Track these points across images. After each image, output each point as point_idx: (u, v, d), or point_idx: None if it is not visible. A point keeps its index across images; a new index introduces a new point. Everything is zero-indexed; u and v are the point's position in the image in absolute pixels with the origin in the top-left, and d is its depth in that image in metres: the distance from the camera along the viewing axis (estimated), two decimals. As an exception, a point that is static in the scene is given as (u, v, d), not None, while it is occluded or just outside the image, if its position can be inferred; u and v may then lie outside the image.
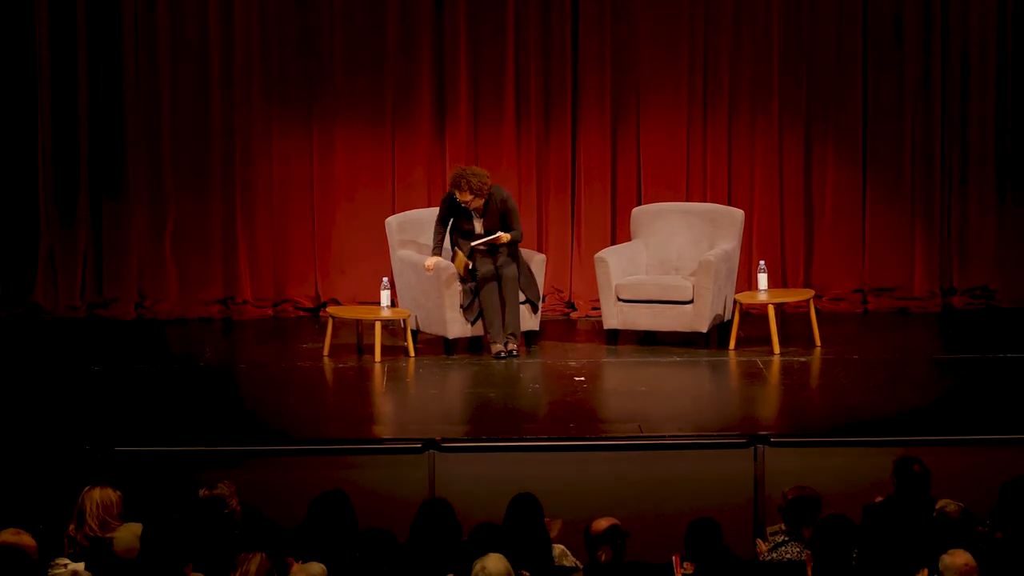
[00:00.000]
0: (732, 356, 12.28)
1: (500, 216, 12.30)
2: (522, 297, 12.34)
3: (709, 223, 12.91)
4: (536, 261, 12.57)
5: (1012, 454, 9.78)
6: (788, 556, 8.22)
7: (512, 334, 12.18)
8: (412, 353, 12.31)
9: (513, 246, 12.36)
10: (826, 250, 13.87)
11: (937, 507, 8.24)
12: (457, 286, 12.25)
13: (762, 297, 12.52)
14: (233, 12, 13.67)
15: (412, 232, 12.78)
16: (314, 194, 13.86)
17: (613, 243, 13.56)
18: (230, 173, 13.80)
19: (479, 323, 12.27)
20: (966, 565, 7.34)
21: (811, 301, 12.72)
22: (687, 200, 13.66)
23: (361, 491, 8.97)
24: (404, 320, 12.41)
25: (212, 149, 13.78)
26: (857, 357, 12.22)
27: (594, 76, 13.78)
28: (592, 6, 13.71)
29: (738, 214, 12.94)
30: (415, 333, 12.48)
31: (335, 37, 13.73)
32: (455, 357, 12.29)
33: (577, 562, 8.29)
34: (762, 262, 12.77)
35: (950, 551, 7.43)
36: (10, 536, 7.40)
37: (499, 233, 12.23)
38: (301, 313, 13.88)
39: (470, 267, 12.25)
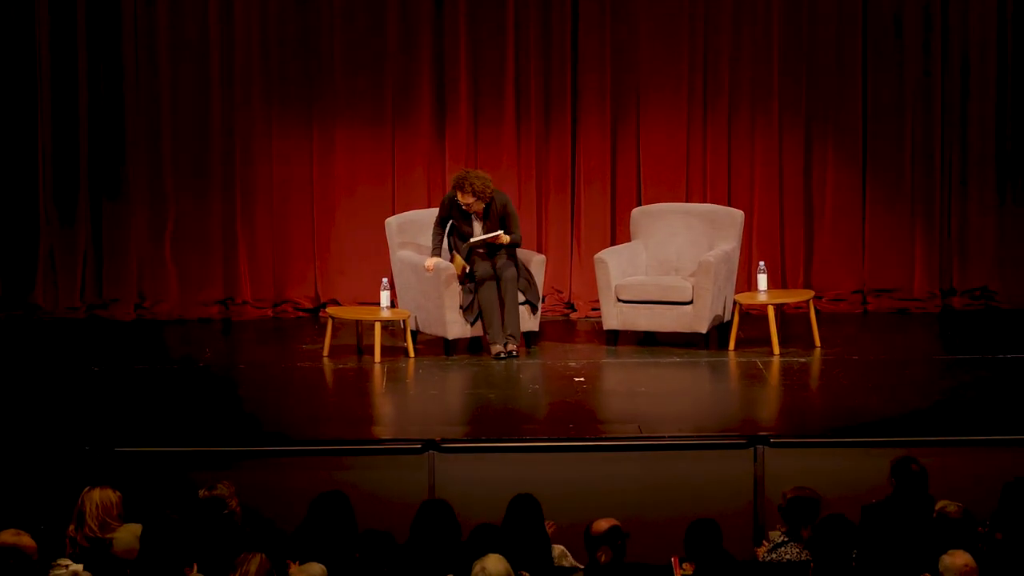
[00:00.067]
0: (732, 357, 12.27)
1: (500, 220, 12.31)
2: (521, 298, 12.34)
3: (709, 224, 12.91)
4: (535, 262, 12.56)
5: (1012, 455, 9.78)
6: (788, 557, 8.23)
7: (512, 335, 12.18)
8: (412, 354, 12.31)
9: (512, 250, 12.36)
10: (826, 250, 13.87)
11: (937, 508, 8.24)
12: (457, 287, 12.25)
13: (762, 298, 12.51)
14: (233, 12, 13.67)
15: (412, 233, 12.78)
16: (314, 194, 13.86)
17: (613, 244, 13.55)
18: (230, 173, 13.80)
19: (479, 324, 12.27)
20: (966, 566, 7.34)
21: (811, 302, 12.71)
22: (687, 200, 13.66)
23: (361, 492, 8.98)
24: (404, 321, 12.41)
25: (212, 149, 13.78)
26: (857, 358, 12.21)
27: (594, 76, 13.78)
28: (592, 6, 13.71)
29: (738, 215, 12.94)
30: (415, 334, 12.48)
31: (335, 37, 13.73)
32: (455, 358, 12.29)
33: (577, 563, 8.29)
34: (762, 263, 12.76)
35: (950, 552, 7.44)
36: (10, 537, 7.40)
37: (499, 232, 12.23)
38: (301, 314, 13.88)
39: (467, 270, 12.25)
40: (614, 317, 12.56)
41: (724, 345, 12.46)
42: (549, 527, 8.41)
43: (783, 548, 8.27)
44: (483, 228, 12.33)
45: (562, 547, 8.37)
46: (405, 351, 12.35)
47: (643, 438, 10.13)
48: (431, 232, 12.50)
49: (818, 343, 12.48)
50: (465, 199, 12.24)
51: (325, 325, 12.59)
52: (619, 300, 12.52)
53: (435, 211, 12.62)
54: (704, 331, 12.42)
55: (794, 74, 13.78)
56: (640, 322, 12.56)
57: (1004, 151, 13.76)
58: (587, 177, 13.87)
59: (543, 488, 8.59)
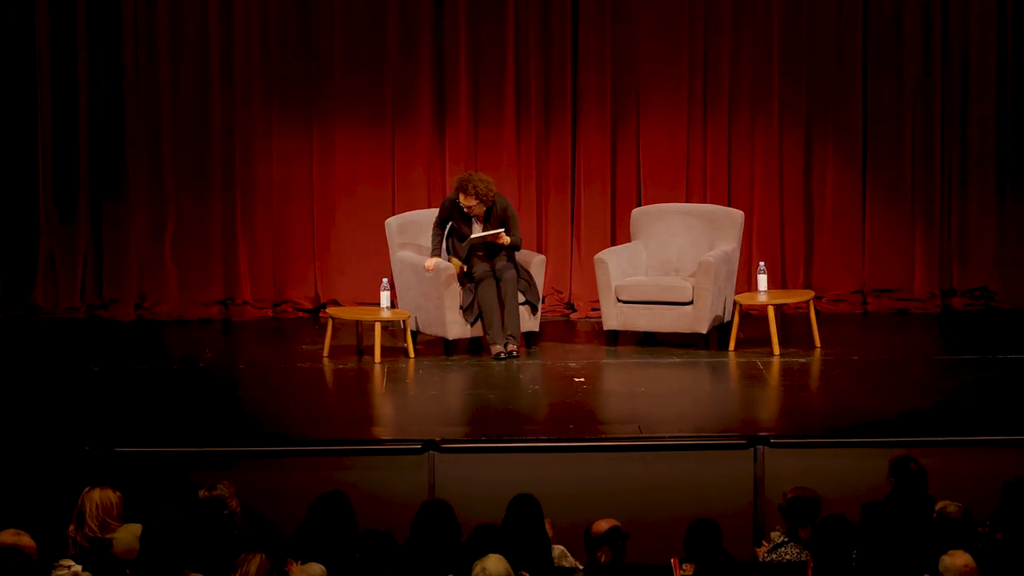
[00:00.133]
0: (732, 357, 12.27)
1: (500, 224, 12.31)
2: (521, 298, 12.34)
3: (709, 224, 12.91)
4: (535, 262, 12.56)
5: (1012, 455, 9.78)
6: (788, 557, 8.23)
7: (512, 335, 12.17)
8: (412, 354, 12.31)
9: (511, 252, 12.35)
10: (826, 251, 13.87)
11: (937, 508, 8.24)
12: (457, 287, 12.25)
13: (762, 298, 12.51)
14: (233, 12, 13.67)
15: (412, 233, 12.77)
16: (314, 194, 13.86)
17: (613, 244, 13.55)
18: (230, 173, 13.80)
19: (479, 324, 12.27)
20: (966, 566, 7.34)
21: (811, 302, 12.71)
22: (687, 200, 13.65)
23: (361, 492, 8.98)
24: (404, 321, 12.41)
25: (212, 149, 13.78)
26: (857, 358, 12.21)
27: (594, 76, 13.77)
28: (592, 6, 13.70)
29: (738, 215, 12.94)
30: (415, 334, 12.48)
31: (335, 37, 13.73)
32: (455, 358, 12.28)
33: (577, 563, 8.29)
34: (762, 263, 12.76)
35: (950, 552, 7.44)
36: (10, 537, 7.40)
37: (500, 230, 12.23)
38: (301, 314, 13.88)
39: (465, 270, 12.26)
40: (614, 317, 12.56)
41: (724, 345, 12.46)
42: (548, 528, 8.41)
43: (783, 548, 8.27)
44: (483, 231, 12.32)
45: (562, 547, 8.37)
46: (405, 351, 12.35)
47: (643, 438, 10.12)
48: (431, 233, 12.50)
49: (818, 343, 12.48)
50: (468, 201, 12.24)
51: (325, 325, 12.59)
52: (619, 300, 12.52)
53: (435, 211, 12.62)
54: (704, 331, 12.41)
55: (794, 74, 13.77)
56: (640, 322, 12.56)
57: (1004, 151, 13.76)
58: (587, 177, 13.87)
59: (543, 488, 8.59)
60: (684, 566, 7.93)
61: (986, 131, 13.75)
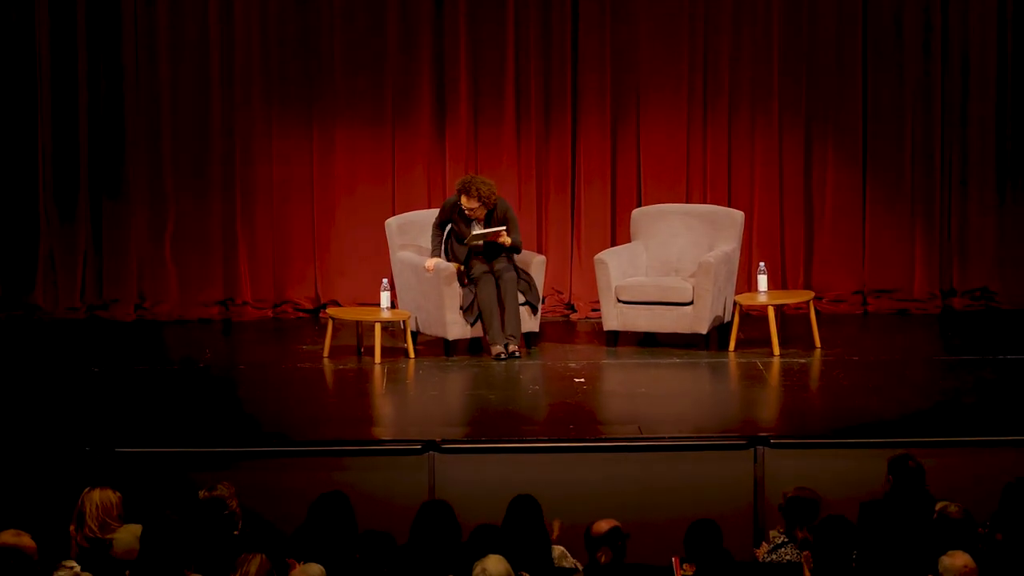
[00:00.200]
0: (732, 358, 12.27)
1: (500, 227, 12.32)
2: (521, 299, 12.34)
3: (709, 224, 12.91)
4: (536, 262, 12.56)
5: (1013, 455, 9.78)
6: (788, 558, 8.23)
7: (512, 336, 12.17)
8: (412, 355, 12.30)
9: (511, 254, 12.35)
10: (826, 251, 13.87)
11: (938, 508, 8.23)
12: (457, 287, 12.25)
13: (762, 298, 12.51)
14: (233, 12, 13.67)
15: (412, 234, 12.77)
16: (314, 194, 13.86)
17: (613, 244, 13.55)
18: (230, 173, 13.80)
19: (479, 325, 12.27)
20: (966, 567, 7.34)
21: (811, 302, 12.71)
22: (687, 200, 13.65)
23: (361, 493, 8.97)
24: (404, 321, 12.40)
25: (212, 149, 13.78)
26: (857, 359, 12.21)
27: (594, 76, 13.77)
28: (592, 6, 13.70)
29: (738, 215, 12.94)
30: (415, 334, 12.48)
31: (335, 37, 13.73)
32: (455, 359, 12.28)
33: (577, 563, 8.29)
34: (762, 263, 12.76)
35: (950, 552, 7.43)
36: (10, 537, 7.40)
37: (502, 228, 12.23)
38: (301, 314, 13.88)
39: (462, 270, 12.26)
40: (614, 318, 12.56)
41: (724, 346, 12.45)
42: (556, 525, 8.40)
43: (783, 549, 8.27)
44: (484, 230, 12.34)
45: (562, 548, 8.37)
46: (405, 352, 12.34)
47: (643, 439, 10.12)
48: (430, 233, 12.49)
49: (818, 344, 12.48)
50: (470, 204, 12.24)
51: (325, 326, 12.59)
52: (619, 301, 12.52)
53: (435, 211, 12.62)
54: (704, 332, 12.41)
55: (794, 74, 13.77)
56: (640, 323, 12.56)
57: (1004, 151, 13.76)
58: (587, 177, 13.87)
59: (543, 489, 8.58)
60: (684, 566, 7.92)
61: (986, 131, 13.75)
